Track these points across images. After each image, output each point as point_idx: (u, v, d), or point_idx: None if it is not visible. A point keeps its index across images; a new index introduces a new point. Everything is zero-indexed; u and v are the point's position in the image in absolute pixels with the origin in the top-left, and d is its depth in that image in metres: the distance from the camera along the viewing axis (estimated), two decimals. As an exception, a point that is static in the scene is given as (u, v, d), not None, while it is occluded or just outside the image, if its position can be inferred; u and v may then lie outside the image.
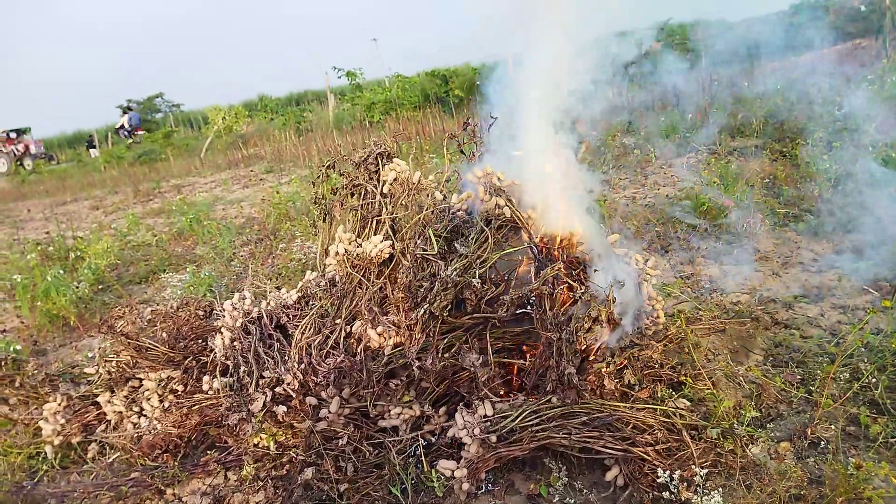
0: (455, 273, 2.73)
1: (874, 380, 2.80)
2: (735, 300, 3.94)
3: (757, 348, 3.35)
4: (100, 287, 6.24)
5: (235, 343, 3.20)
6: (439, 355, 2.74)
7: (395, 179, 3.29)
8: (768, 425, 2.70)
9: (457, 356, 2.76)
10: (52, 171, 22.29)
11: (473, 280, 2.71)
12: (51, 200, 15.12)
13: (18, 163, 27.63)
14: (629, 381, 2.78)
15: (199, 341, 3.51)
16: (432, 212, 3.07)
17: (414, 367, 2.73)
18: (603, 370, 2.72)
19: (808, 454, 2.53)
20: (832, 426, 2.64)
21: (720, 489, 2.29)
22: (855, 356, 3.01)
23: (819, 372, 2.95)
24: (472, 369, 2.73)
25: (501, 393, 2.91)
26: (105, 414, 3.43)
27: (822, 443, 2.57)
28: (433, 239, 2.90)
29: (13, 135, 28.48)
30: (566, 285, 2.82)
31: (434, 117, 13.95)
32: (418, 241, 2.96)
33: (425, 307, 2.73)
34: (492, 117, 3.21)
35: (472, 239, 2.86)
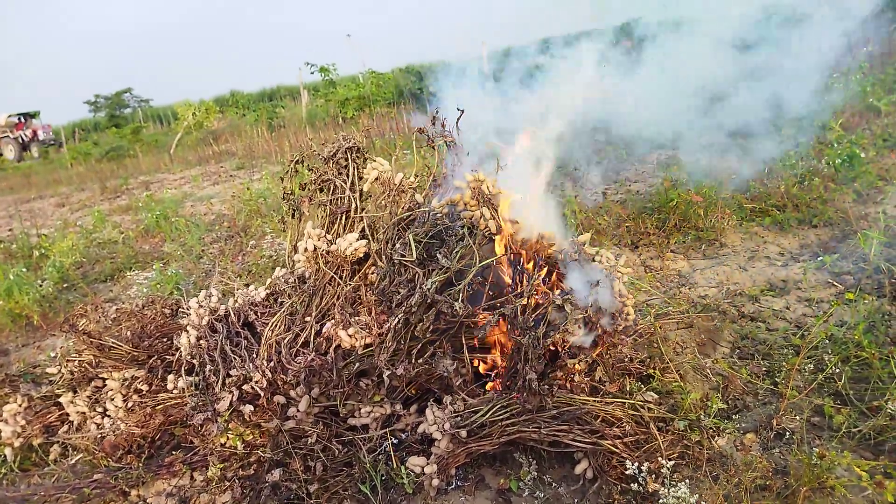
0: (435, 286, 2.67)
1: (838, 371, 2.85)
2: (703, 294, 3.99)
3: (724, 341, 3.39)
4: (64, 285, 6.09)
5: (201, 341, 3.14)
6: (412, 363, 2.68)
7: (376, 179, 3.25)
8: (734, 417, 2.73)
9: (430, 361, 2.71)
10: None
11: (456, 304, 2.63)
12: (15, 197, 14.74)
13: (24, 149, 25.95)
14: (599, 377, 2.79)
15: (165, 340, 3.44)
16: (412, 216, 3.01)
17: (385, 376, 2.68)
18: (574, 367, 2.72)
19: (773, 445, 2.57)
20: (797, 417, 2.68)
21: (687, 481, 2.31)
22: (819, 348, 3.07)
23: (784, 364, 2.99)
24: (445, 375, 2.69)
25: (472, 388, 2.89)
26: (67, 415, 3.34)
27: (788, 433, 2.60)
28: (413, 245, 2.84)
29: (22, 119, 26.87)
30: (539, 290, 2.81)
31: (408, 113, 13.89)
32: (397, 245, 2.89)
33: (400, 316, 2.68)
34: (459, 109, 3.19)
35: (456, 252, 2.77)
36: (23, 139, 26.08)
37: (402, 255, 2.82)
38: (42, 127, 26.76)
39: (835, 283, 3.83)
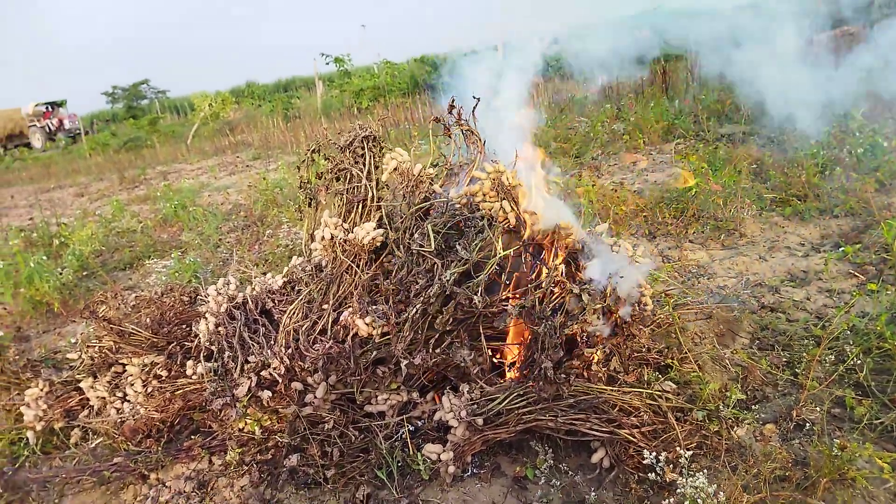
0: (453, 277, 2.66)
1: (859, 362, 2.81)
2: (721, 284, 3.95)
3: (743, 332, 3.36)
4: (84, 273, 6.17)
5: (220, 328, 3.16)
6: (430, 353, 2.68)
7: (395, 169, 3.24)
8: (754, 407, 2.70)
9: (448, 351, 2.71)
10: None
11: (475, 297, 2.63)
12: (35, 187, 14.94)
13: (51, 139, 25.83)
14: (615, 367, 2.77)
15: (184, 327, 3.47)
16: (430, 206, 3.00)
17: (403, 365, 2.68)
18: (591, 356, 2.71)
19: (793, 436, 2.54)
20: (817, 408, 2.65)
21: (705, 470, 2.29)
22: (840, 339, 3.02)
23: (805, 355, 2.95)
24: (462, 364, 2.69)
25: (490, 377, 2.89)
26: (88, 399, 3.39)
27: (808, 425, 2.57)
28: (432, 235, 2.83)
29: (49, 108, 26.64)
30: (558, 281, 2.79)
31: (423, 104, 13.87)
32: (415, 236, 2.89)
33: (418, 307, 2.67)
34: (474, 98, 3.16)
35: (476, 245, 2.76)
36: (49, 128, 25.99)
37: (421, 246, 2.81)
38: (68, 116, 26.65)
39: (856, 274, 3.77)
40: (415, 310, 2.66)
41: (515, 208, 2.91)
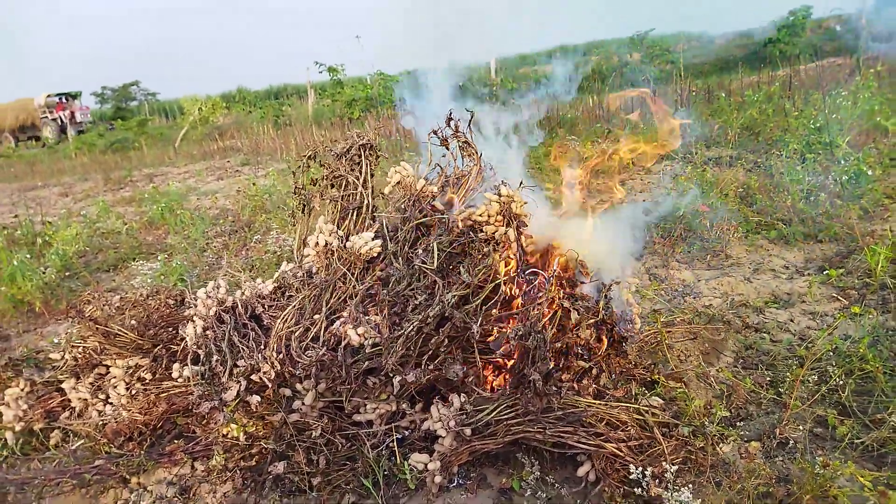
0: (453, 300, 2.67)
1: (841, 383, 2.86)
2: (707, 304, 4.00)
3: (728, 350, 3.40)
4: (67, 273, 6.10)
5: (208, 332, 3.14)
6: (423, 368, 2.68)
7: (398, 183, 3.25)
8: (738, 424, 2.73)
9: (440, 367, 2.71)
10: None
11: (474, 326, 2.65)
12: (19, 185, 14.76)
13: (62, 131, 24.76)
14: (605, 382, 2.79)
15: (170, 329, 3.44)
16: (431, 221, 3.02)
17: (396, 381, 2.68)
18: (582, 367, 2.73)
19: (776, 453, 2.57)
20: (800, 427, 2.69)
21: (690, 486, 2.31)
22: (823, 360, 3.07)
23: (788, 375, 2.99)
24: (455, 379, 2.69)
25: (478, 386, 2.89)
26: (69, 400, 3.34)
27: (791, 443, 2.61)
28: (436, 252, 2.83)
29: (63, 99, 25.37)
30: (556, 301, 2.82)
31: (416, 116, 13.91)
32: (419, 252, 2.89)
33: (415, 324, 2.67)
34: (467, 111, 3.21)
35: (479, 270, 2.76)
36: (61, 120, 24.94)
37: (423, 262, 2.82)
38: (80, 109, 25.60)
39: (839, 298, 3.84)
40: (411, 327, 2.66)
41: (519, 238, 2.94)
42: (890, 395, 2.75)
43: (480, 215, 2.94)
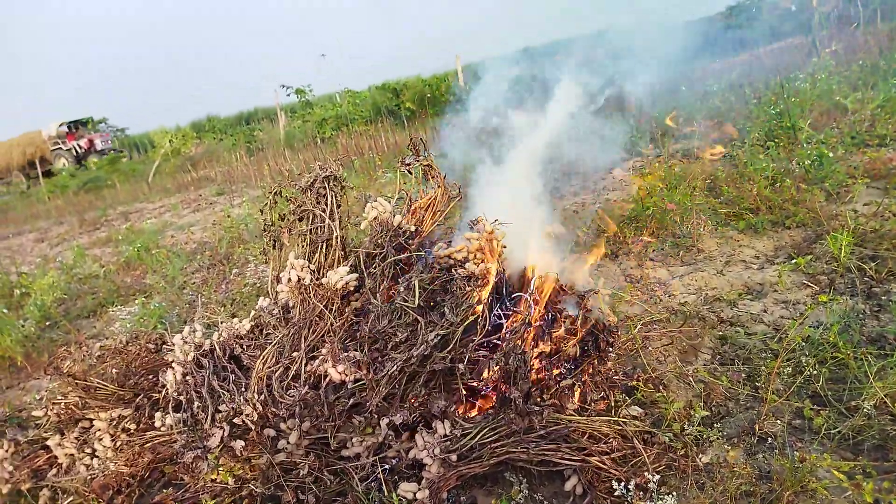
0: (436, 339, 2.70)
1: (815, 372, 2.92)
2: (682, 301, 4.05)
3: (705, 347, 3.45)
4: (47, 323, 6.04)
5: (188, 378, 3.13)
6: (409, 409, 2.71)
7: (374, 218, 3.27)
8: (717, 424, 2.78)
9: (425, 403, 2.74)
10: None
11: (460, 366, 2.68)
12: (-8, 234, 14.56)
13: (80, 163, 23.12)
14: (589, 398, 2.83)
15: (150, 377, 3.44)
16: (409, 257, 3.05)
17: (383, 424, 2.70)
18: (564, 384, 2.77)
19: (756, 449, 2.62)
20: (778, 421, 2.74)
21: (674, 493, 2.35)
22: (797, 351, 3.13)
23: (764, 368, 3.05)
24: (438, 414, 2.71)
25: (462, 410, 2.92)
26: (56, 457, 3.31)
27: (770, 438, 2.66)
28: (417, 291, 2.85)
29: (73, 128, 23.70)
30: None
31: (386, 131, 13.96)
32: (401, 290, 2.91)
33: (399, 364, 2.69)
34: (419, 139, 3.26)
35: (462, 310, 2.79)
36: (77, 150, 23.51)
37: (405, 300, 2.84)
38: (100, 136, 24.10)
39: (810, 285, 3.91)
40: (394, 366, 2.68)
41: (501, 272, 2.99)
42: (863, 381, 2.81)
43: (459, 251, 2.97)
